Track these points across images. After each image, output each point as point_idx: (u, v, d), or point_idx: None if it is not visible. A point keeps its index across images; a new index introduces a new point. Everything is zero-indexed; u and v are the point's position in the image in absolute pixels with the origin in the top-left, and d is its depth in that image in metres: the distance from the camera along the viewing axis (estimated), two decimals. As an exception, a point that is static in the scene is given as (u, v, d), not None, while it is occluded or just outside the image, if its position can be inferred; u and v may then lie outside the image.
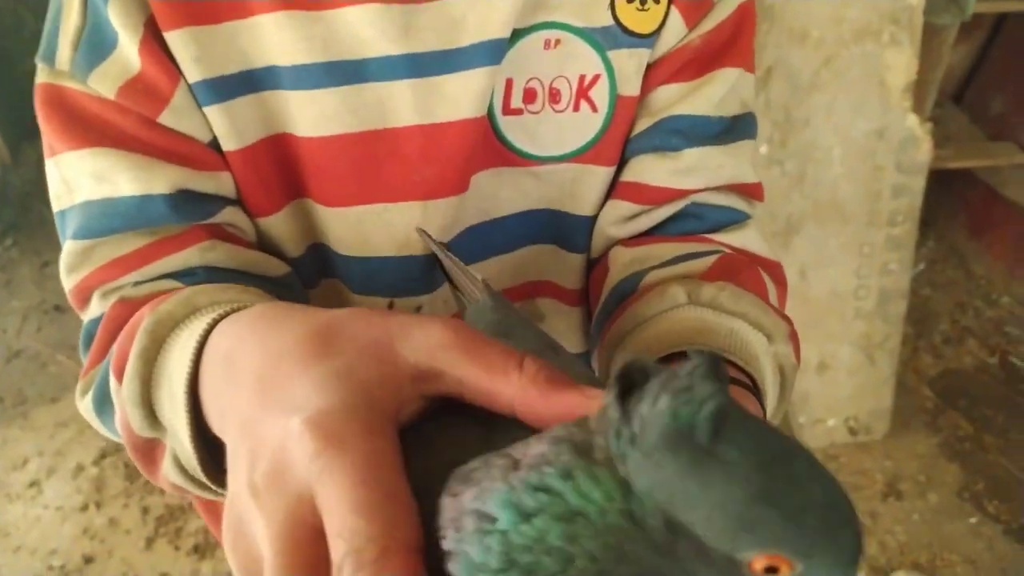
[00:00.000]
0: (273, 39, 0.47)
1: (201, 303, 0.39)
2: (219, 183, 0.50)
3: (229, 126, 0.49)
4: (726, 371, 0.23)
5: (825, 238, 1.92)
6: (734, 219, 0.56)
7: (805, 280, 1.96)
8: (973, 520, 2.00)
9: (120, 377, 0.40)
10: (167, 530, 1.88)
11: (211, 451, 0.37)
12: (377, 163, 0.51)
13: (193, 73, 0.47)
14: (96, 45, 0.46)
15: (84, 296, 0.50)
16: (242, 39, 0.47)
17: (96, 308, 0.49)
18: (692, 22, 0.52)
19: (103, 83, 0.46)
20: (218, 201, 0.50)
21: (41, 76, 0.48)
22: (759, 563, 0.20)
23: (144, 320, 0.39)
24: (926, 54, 2.04)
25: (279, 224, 0.53)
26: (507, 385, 0.28)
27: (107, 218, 0.47)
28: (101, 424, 0.47)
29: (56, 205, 0.51)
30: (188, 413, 0.35)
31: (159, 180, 0.47)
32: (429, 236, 0.51)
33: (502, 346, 0.29)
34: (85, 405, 0.47)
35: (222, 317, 0.36)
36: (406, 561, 0.23)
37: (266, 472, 0.27)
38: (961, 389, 2.34)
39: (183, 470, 0.40)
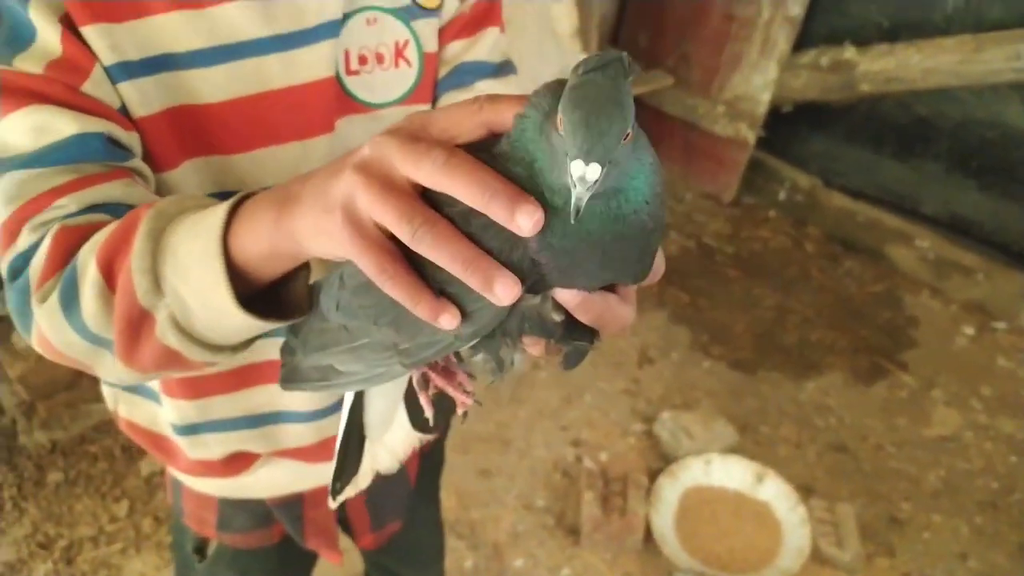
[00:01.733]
0: (169, 32, 0.62)
1: (188, 205, 0.53)
2: (132, 140, 0.62)
3: (137, 98, 0.62)
4: (628, 68, 0.37)
5: (544, 168, 2.28)
6: None
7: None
8: (706, 364, 2.52)
9: (108, 269, 0.51)
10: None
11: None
12: (264, 116, 0.67)
13: (107, 58, 0.60)
14: (13, 40, 0.58)
15: (14, 230, 0.58)
16: (141, 33, 0.61)
17: (26, 240, 0.57)
18: None
19: (29, 63, 0.57)
20: (132, 153, 0.62)
21: None
22: (558, 118, 0.36)
23: (146, 214, 0.51)
24: (581, 6, 2.49)
25: (177, 177, 0.66)
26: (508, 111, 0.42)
27: (49, 154, 0.57)
28: (65, 321, 0.54)
29: None
30: (220, 251, 0.47)
31: (94, 124, 0.58)
32: None
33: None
34: (48, 307, 0.55)
35: (242, 199, 0.50)
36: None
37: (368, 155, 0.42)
38: (674, 270, 2.87)
39: (180, 329, 0.51)
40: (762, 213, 3.29)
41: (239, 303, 0.49)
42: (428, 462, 1.07)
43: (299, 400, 0.80)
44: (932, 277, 2.89)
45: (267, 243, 0.48)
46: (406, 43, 0.73)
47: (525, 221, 0.38)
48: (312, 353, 0.55)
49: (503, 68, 0.81)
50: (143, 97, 0.63)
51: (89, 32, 0.59)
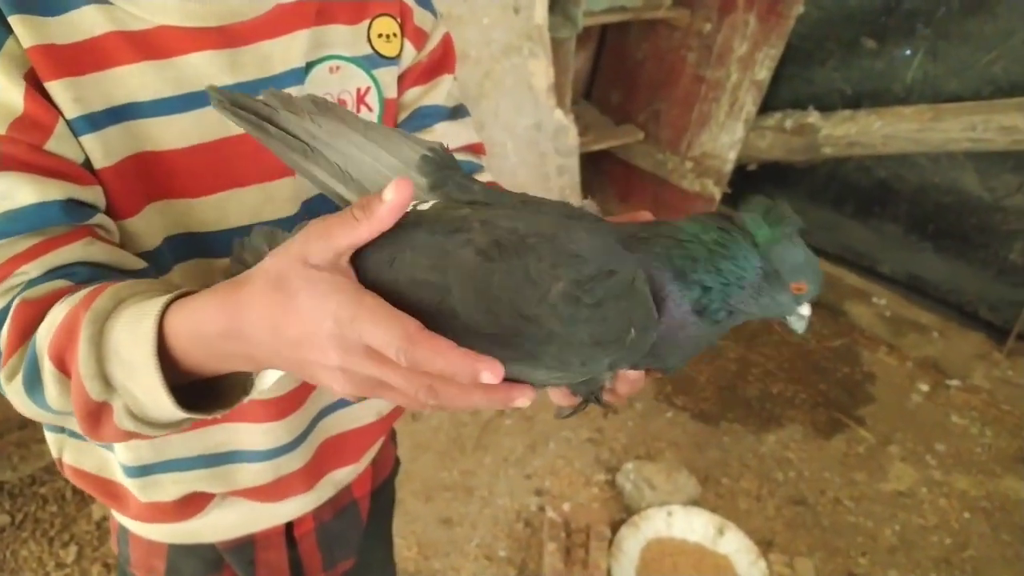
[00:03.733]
0: (135, 82, 0.62)
1: (123, 295, 0.52)
2: (95, 195, 0.62)
3: (100, 149, 0.62)
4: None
5: (516, 217, 2.33)
6: (477, 168, 0.84)
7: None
8: (669, 415, 2.55)
9: (61, 364, 0.52)
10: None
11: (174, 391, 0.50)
12: (227, 161, 0.68)
13: (70, 111, 0.59)
14: None
15: None
16: (106, 84, 0.61)
17: None
18: (419, 47, 0.79)
19: None
20: (94, 209, 0.62)
21: None
22: (794, 286, 0.49)
23: (84, 317, 0.51)
24: (557, 62, 2.56)
25: (140, 222, 0.66)
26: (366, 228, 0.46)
27: (8, 224, 0.57)
28: (31, 401, 0.56)
29: None
30: (157, 367, 0.48)
31: (53, 190, 0.58)
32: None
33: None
34: (15, 387, 0.56)
35: (171, 301, 0.50)
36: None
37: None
38: (640, 321, 2.91)
39: (135, 417, 0.52)
40: (727, 267, 3.35)
41: (186, 397, 0.51)
42: (379, 499, 1.06)
43: (257, 439, 0.80)
44: (889, 334, 2.97)
45: (224, 366, 0.51)
46: (367, 89, 0.75)
47: (487, 377, 0.42)
48: None
49: (457, 111, 0.84)
50: (106, 148, 0.63)
51: (54, 87, 0.59)
